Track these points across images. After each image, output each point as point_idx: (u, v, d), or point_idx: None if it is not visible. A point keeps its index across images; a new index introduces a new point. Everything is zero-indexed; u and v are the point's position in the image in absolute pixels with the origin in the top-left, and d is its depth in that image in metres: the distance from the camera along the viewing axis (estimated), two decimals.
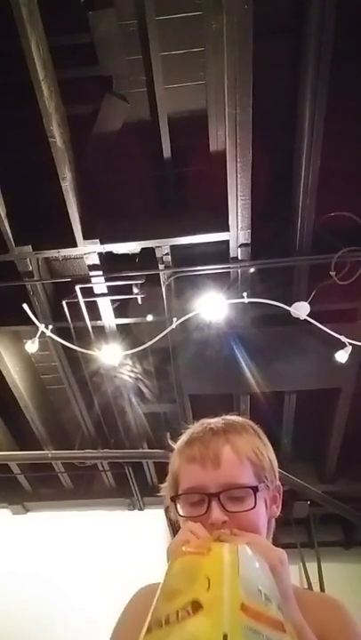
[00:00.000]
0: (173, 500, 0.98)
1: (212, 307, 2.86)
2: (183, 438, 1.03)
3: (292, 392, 3.51)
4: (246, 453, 0.95)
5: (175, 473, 1.00)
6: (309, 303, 2.80)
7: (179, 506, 0.97)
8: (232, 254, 2.79)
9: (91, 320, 3.12)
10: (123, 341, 3.21)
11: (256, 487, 0.93)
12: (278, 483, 1.02)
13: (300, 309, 2.80)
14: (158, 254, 2.82)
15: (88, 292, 3.00)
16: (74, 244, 2.76)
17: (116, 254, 2.89)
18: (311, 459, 4.21)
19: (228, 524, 0.89)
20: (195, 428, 1.03)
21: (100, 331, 3.22)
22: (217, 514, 0.90)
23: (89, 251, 2.82)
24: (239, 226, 2.64)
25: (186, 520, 0.94)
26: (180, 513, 0.96)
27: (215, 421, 1.03)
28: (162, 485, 1.06)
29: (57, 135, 2.32)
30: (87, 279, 2.96)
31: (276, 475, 1.02)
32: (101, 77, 2.43)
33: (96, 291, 3.02)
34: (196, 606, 0.61)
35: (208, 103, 2.48)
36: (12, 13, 1.94)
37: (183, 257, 2.91)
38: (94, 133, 2.54)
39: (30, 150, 2.51)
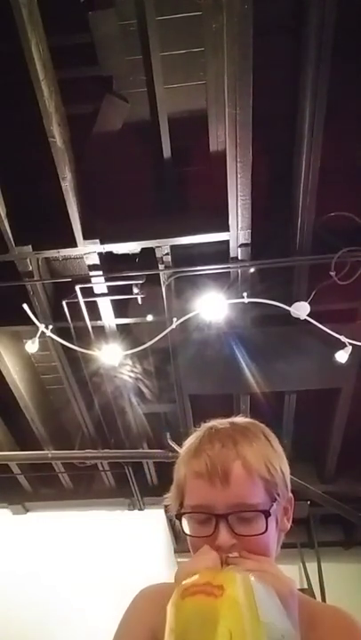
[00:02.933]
0: (179, 517, 0.93)
1: (212, 307, 2.86)
2: (189, 446, 0.97)
3: (292, 392, 3.51)
4: (258, 470, 0.89)
5: (181, 485, 0.95)
6: (309, 303, 2.80)
7: (184, 522, 0.93)
8: (232, 254, 2.79)
9: (91, 320, 3.12)
10: (123, 341, 3.21)
11: (268, 511, 0.87)
12: (290, 495, 0.97)
13: (301, 309, 2.80)
14: (158, 254, 2.82)
15: (88, 292, 3.00)
16: (74, 244, 2.76)
17: (116, 254, 2.89)
18: (311, 459, 4.21)
19: (237, 547, 0.85)
20: (201, 434, 0.96)
21: (100, 331, 3.22)
22: (224, 537, 0.85)
23: (89, 251, 2.82)
24: (239, 226, 2.64)
25: (192, 539, 0.91)
26: (186, 531, 0.92)
27: (224, 428, 0.96)
28: (166, 496, 1.01)
29: (57, 135, 2.32)
30: (87, 279, 2.96)
31: (288, 486, 0.96)
32: (101, 77, 2.43)
33: (96, 291, 3.02)
34: None
35: (208, 103, 2.48)
36: (12, 14, 1.94)
37: (183, 257, 2.91)
38: (94, 133, 2.54)
39: (30, 150, 2.51)
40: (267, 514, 0.87)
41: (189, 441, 0.98)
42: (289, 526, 0.97)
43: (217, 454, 0.89)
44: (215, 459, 0.89)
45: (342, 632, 0.88)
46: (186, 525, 0.93)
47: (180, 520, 0.93)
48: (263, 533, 0.86)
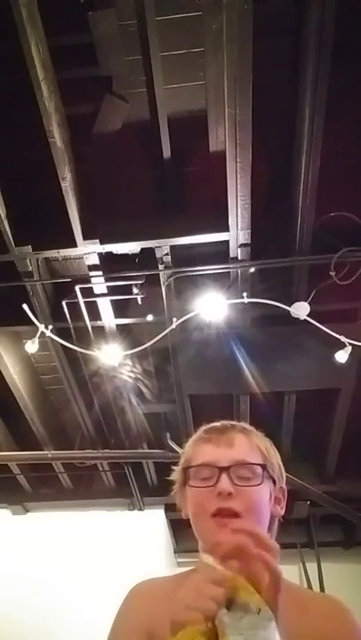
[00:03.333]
0: (186, 470, 1.02)
1: (212, 307, 2.85)
2: (199, 431, 1.09)
3: (292, 392, 3.51)
4: (257, 444, 1.02)
5: (188, 456, 1.05)
6: (309, 303, 2.80)
7: (190, 479, 1.01)
8: (232, 254, 2.79)
9: (91, 320, 3.12)
10: (123, 341, 3.21)
11: (264, 465, 0.98)
12: (284, 486, 1.05)
13: (300, 309, 2.80)
14: (158, 254, 2.82)
15: (88, 293, 3.00)
16: (74, 245, 2.76)
17: (116, 254, 2.89)
18: (311, 459, 4.21)
19: (234, 498, 0.92)
20: (208, 425, 1.10)
21: (100, 331, 3.22)
22: (225, 483, 0.93)
23: (89, 251, 2.82)
24: (239, 226, 2.64)
25: (194, 493, 0.97)
26: (191, 484, 1.00)
27: (228, 422, 1.09)
28: (174, 468, 1.09)
29: (57, 135, 2.32)
30: (87, 279, 2.96)
31: (283, 478, 1.06)
32: (101, 78, 2.43)
33: (96, 291, 3.02)
34: None
35: (208, 103, 2.48)
36: (12, 14, 1.94)
37: (183, 257, 2.91)
38: (94, 133, 2.54)
39: (30, 150, 2.51)
40: (263, 467, 0.98)
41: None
42: (282, 513, 1.04)
43: (223, 430, 1.04)
44: (222, 431, 1.03)
45: (333, 618, 0.91)
46: (190, 483, 1.00)
47: (184, 487, 1.02)
48: (259, 485, 0.95)
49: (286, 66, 2.33)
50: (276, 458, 1.05)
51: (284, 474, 1.07)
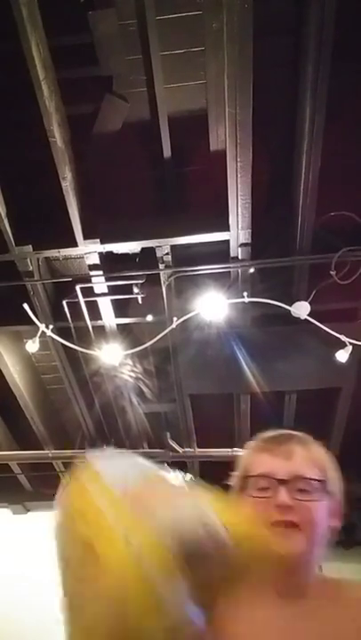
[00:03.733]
0: (244, 480, 1.01)
1: (213, 306, 2.86)
2: (257, 439, 1.08)
3: (292, 391, 3.51)
4: (318, 457, 1.02)
5: (246, 465, 1.04)
6: (310, 303, 2.80)
7: (248, 488, 1.00)
8: (232, 254, 2.79)
9: (91, 320, 3.12)
10: (123, 341, 3.21)
11: (325, 481, 0.98)
12: (340, 497, 1.06)
13: (301, 309, 2.80)
14: (158, 254, 2.82)
15: (88, 292, 3.00)
16: (74, 244, 2.76)
17: (117, 254, 2.89)
18: None
19: (293, 510, 0.92)
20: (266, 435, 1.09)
21: (101, 330, 3.22)
22: (284, 497, 0.93)
23: (89, 250, 2.82)
24: (239, 225, 2.64)
25: (253, 500, 0.97)
26: (249, 493, 0.99)
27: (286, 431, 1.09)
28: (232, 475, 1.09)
29: (57, 135, 2.32)
30: (87, 279, 2.96)
31: (340, 491, 1.06)
32: (101, 77, 2.43)
33: (96, 290, 3.02)
34: None
35: (208, 103, 2.48)
36: (12, 13, 1.94)
37: (183, 257, 2.91)
38: (94, 133, 2.54)
39: (30, 150, 2.51)
40: (323, 483, 0.98)
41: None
42: (339, 526, 1.04)
43: (282, 440, 1.03)
44: (281, 442, 1.02)
45: None
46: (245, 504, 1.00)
47: (242, 494, 1.01)
48: (318, 501, 0.95)
49: (287, 65, 2.33)
50: (334, 471, 1.05)
51: (341, 489, 1.07)
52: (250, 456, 1.05)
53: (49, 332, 3.10)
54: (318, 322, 2.81)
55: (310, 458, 1.01)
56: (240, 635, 0.90)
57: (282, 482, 0.94)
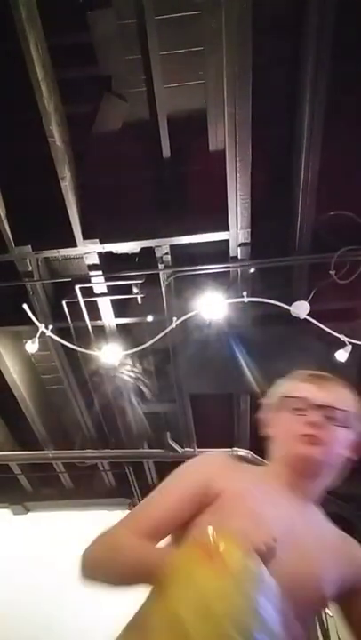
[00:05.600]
0: (284, 400, 1.19)
1: (212, 306, 2.85)
2: (300, 372, 1.26)
3: None
4: (348, 396, 1.20)
5: (288, 388, 1.22)
6: (309, 302, 2.80)
7: (285, 407, 1.18)
8: (232, 254, 2.79)
9: (91, 320, 3.12)
10: (123, 341, 3.21)
11: (350, 414, 1.14)
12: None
13: (300, 309, 2.80)
14: (158, 254, 2.82)
15: (88, 292, 3.00)
16: (74, 244, 2.76)
17: (116, 254, 2.89)
18: None
19: (321, 429, 1.09)
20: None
21: (100, 330, 3.22)
22: (316, 416, 1.11)
23: (89, 250, 2.82)
24: (239, 225, 2.64)
25: (288, 416, 1.15)
26: (286, 411, 1.17)
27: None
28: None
29: (56, 135, 2.32)
30: (87, 279, 2.96)
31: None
32: (100, 77, 2.43)
33: (96, 290, 3.02)
34: None
35: (207, 102, 2.48)
36: (12, 13, 1.94)
37: (183, 256, 2.90)
38: (94, 133, 2.54)
39: (30, 150, 2.51)
40: (349, 417, 1.14)
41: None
42: (356, 457, 1.17)
43: (323, 376, 1.23)
44: (322, 377, 1.22)
45: None
46: (278, 420, 1.19)
47: (277, 412, 1.20)
48: (345, 427, 1.12)
49: (286, 65, 2.32)
50: (358, 411, 1.18)
51: None
52: (292, 382, 1.23)
53: (48, 333, 3.10)
54: (318, 321, 2.81)
55: (342, 394, 1.19)
56: (248, 496, 1.07)
57: (316, 406, 1.13)
